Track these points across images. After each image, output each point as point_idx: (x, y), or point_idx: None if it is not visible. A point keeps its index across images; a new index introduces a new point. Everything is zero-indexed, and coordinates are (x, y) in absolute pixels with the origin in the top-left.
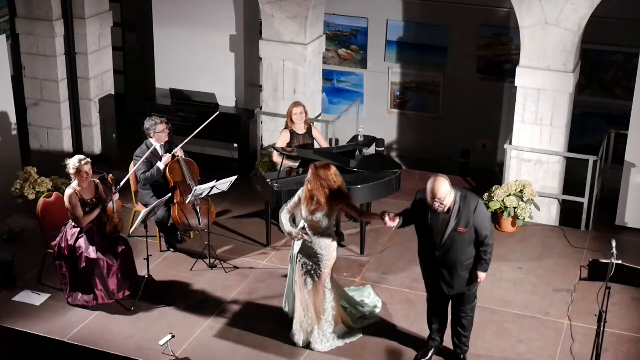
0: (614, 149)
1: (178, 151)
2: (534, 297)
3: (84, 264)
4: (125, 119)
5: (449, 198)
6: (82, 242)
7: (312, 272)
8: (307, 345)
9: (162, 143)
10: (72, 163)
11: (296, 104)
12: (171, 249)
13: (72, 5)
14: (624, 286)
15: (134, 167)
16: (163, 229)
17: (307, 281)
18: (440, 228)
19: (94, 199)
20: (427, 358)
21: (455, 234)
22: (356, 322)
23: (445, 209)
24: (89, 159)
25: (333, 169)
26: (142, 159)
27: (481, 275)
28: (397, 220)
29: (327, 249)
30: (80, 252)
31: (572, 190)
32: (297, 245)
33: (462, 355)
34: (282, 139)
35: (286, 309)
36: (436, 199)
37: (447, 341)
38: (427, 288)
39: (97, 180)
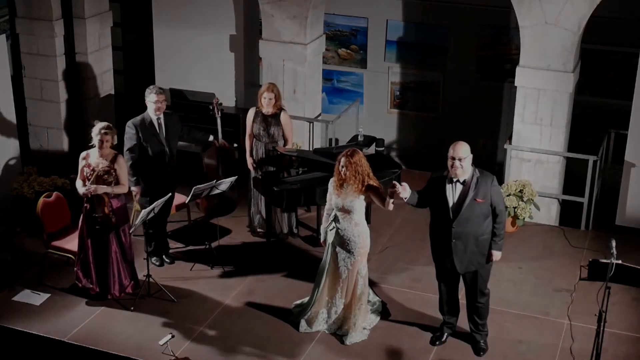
0: (614, 149)
1: (221, 142)
2: (534, 297)
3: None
4: (125, 119)
5: (468, 162)
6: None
7: (347, 260)
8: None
9: (158, 116)
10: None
11: (269, 87)
12: (154, 260)
13: (72, 5)
14: (624, 286)
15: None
16: (152, 235)
17: (343, 270)
18: (458, 200)
19: (95, 170)
20: (442, 340)
21: (474, 204)
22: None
23: (462, 178)
24: (109, 126)
25: (362, 154)
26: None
27: (496, 254)
28: (407, 189)
29: (360, 236)
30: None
31: (572, 190)
32: (330, 235)
33: (482, 341)
34: (248, 119)
35: (306, 300)
36: (456, 159)
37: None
38: (438, 272)
39: (114, 165)
